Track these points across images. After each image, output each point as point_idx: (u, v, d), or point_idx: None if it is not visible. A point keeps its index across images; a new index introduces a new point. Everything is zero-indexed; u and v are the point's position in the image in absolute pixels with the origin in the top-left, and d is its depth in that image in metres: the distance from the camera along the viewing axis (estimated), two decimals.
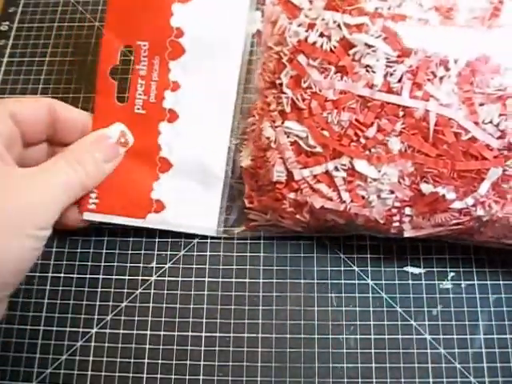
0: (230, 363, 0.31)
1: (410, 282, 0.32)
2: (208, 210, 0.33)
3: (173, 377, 0.31)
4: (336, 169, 0.29)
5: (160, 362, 0.31)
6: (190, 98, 0.32)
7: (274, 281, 0.33)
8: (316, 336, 0.31)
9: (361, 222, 0.30)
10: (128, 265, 0.33)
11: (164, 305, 0.32)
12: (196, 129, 0.32)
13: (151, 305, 0.32)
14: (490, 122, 0.27)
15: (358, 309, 0.32)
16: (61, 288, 0.33)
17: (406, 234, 0.30)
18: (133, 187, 0.32)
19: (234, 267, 0.33)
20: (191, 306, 0.32)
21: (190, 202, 0.33)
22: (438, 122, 0.27)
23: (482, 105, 0.27)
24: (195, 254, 0.33)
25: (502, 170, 0.27)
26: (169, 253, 0.33)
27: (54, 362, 0.31)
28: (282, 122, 0.29)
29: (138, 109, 0.32)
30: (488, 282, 0.32)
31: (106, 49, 0.31)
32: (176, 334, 0.32)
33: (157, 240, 0.34)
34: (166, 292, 0.33)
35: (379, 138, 0.28)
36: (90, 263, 0.33)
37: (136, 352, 0.31)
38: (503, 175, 0.27)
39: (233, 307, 0.32)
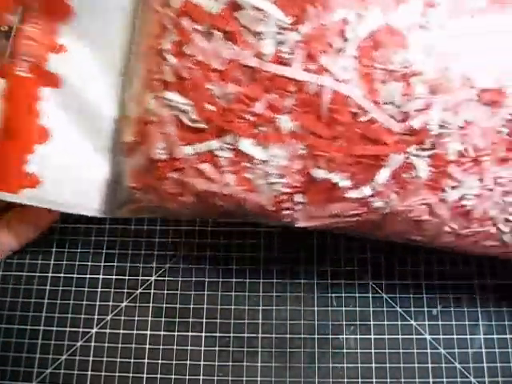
0: (230, 363, 0.31)
1: (410, 281, 0.32)
2: (91, 188, 0.29)
3: (173, 377, 0.31)
4: (221, 148, 0.25)
5: (160, 362, 0.31)
6: (75, 62, 0.29)
7: (274, 281, 0.33)
8: (316, 336, 0.31)
9: (250, 209, 0.27)
10: (128, 265, 0.33)
11: (164, 305, 0.32)
12: (80, 96, 0.29)
13: (151, 305, 0.32)
14: (392, 102, 0.24)
15: (358, 309, 0.32)
16: (61, 288, 0.33)
17: (298, 224, 0.27)
18: (4, 157, 0.28)
19: (234, 267, 0.33)
20: (191, 306, 0.32)
21: (70, 178, 0.29)
22: (334, 100, 0.24)
23: (383, 82, 0.24)
24: (195, 254, 0.33)
25: (404, 158, 0.24)
26: (169, 253, 0.33)
27: (53, 362, 0.31)
28: (165, 91, 0.26)
29: (20, 70, 0.29)
30: (488, 282, 0.32)
31: None
32: (176, 334, 0.32)
33: (157, 240, 0.34)
34: (165, 292, 0.33)
35: (268, 115, 0.25)
36: (90, 263, 0.33)
37: (136, 352, 0.31)
38: (404, 163, 0.24)
39: (233, 307, 0.32)
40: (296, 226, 0.27)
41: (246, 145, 0.25)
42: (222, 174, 0.26)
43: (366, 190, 0.25)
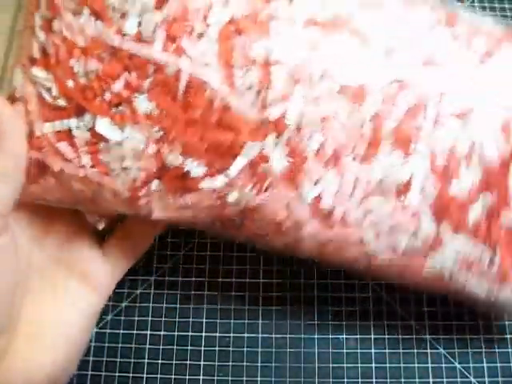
0: (230, 363, 0.31)
1: None
2: None
3: (173, 377, 0.31)
4: (78, 127, 0.25)
5: (160, 362, 0.31)
6: None
7: (274, 281, 0.33)
8: (316, 336, 0.31)
9: (108, 196, 0.26)
10: None
11: (164, 305, 0.32)
12: None
13: (151, 305, 0.32)
14: (250, 89, 0.23)
15: (358, 309, 0.32)
16: None
17: (156, 215, 0.26)
18: None
19: (234, 267, 0.33)
20: (191, 306, 0.32)
21: None
22: (190, 83, 0.24)
23: (242, 69, 0.23)
24: (195, 254, 0.33)
25: (260, 148, 0.24)
26: (169, 253, 0.33)
27: None
28: (30, 69, 0.25)
29: None
30: None
31: None
32: (176, 334, 0.32)
33: (157, 240, 0.34)
34: (165, 292, 0.33)
35: (125, 94, 0.24)
36: None
37: (136, 352, 0.31)
38: (261, 154, 0.24)
39: (233, 307, 0.32)
40: (152, 218, 0.26)
41: (103, 125, 0.24)
42: (78, 155, 0.25)
43: (220, 180, 0.24)
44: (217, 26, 0.24)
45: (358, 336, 0.31)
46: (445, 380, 0.30)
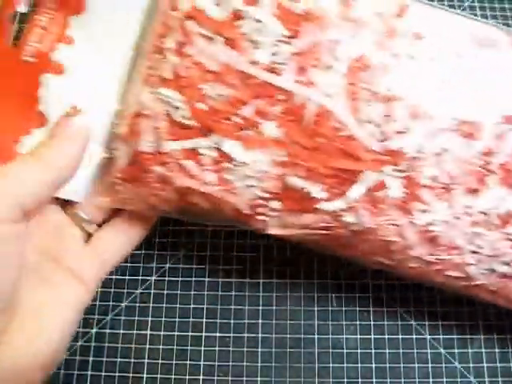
0: (230, 363, 0.31)
1: (410, 281, 0.32)
2: (80, 174, 0.29)
3: (173, 377, 0.31)
4: (206, 146, 0.26)
5: (160, 362, 0.31)
6: (82, 55, 0.30)
7: (274, 281, 0.33)
8: (316, 336, 0.31)
9: (226, 210, 0.28)
10: (128, 265, 0.33)
11: (164, 305, 0.32)
12: (82, 88, 0.30)
13: (151, 305, 0.32)
14: (373, 122, 0.25)
15: (357, 309, 0.32)
16: None
17: (271, 231, 0.28)
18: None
19: (234, 267, 0.33)
20: (191, 306, 0.32)
21: None
22: (318, 113, 0.25)
23: (367, 101, 0.25)
24: (195, 254, 0.33)
25: (378, 176, 0.25)
26: (169, 253, 0.33)
27: None
28: (161, 89, 0.27)
29: (26, 56, 0.30)
30: None
31: None
32: (176, 334, 0.32)
33: (157, 240, 0.34)
34: (165, 292, 0.33)
35: (254, 119, 0.26)
36: None
37: (136, 352, 0.31)
38: (378, 182, 0.25)
39: (233, 307, 0.32)
40: (268, 232, 0.28)
41: (230, 146, 0.26)
42: (203, 172, 0.27)
43: (339, 204, 0.26)
44: (345, 60, 0.25)
45: (358, 336, 0.31)
46: (445, 380, 0.30)
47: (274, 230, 0.28)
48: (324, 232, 0.27)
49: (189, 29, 0.27)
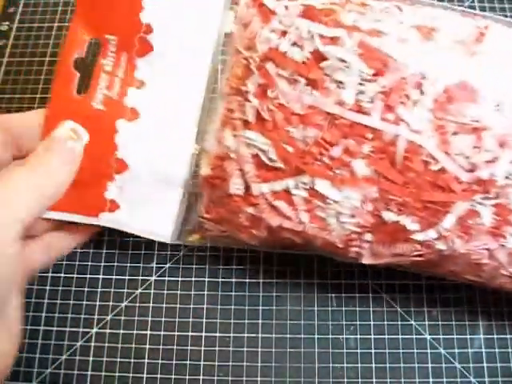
0: (230, 363, 0.31)
1: (410, 281, 0.32)
2: (164, 216, 0.31)
3: (173, 377, 0.31)
4: (296, 187, 0.27)
5: (160, 362, 0.31)
6: (154, 97, 0.30)
7: (275, 281, 0.33)
8: (316, 336, 0.31)
9: (318, 244, 0.29)
10: (128, 265, 0.33)
11: (164, 305, 0.32)
12: (158, 131, 0.30)
13: (151, 305, 0.32)
14: (462, 153, 0.25)
15: (358, 309, 0.32)
16: (61, 288, 0.33)
17: (364, 261, 0.28)
18: (86, 186, 0.30)
19: (234, 267, 0.33)
20: (191, 306, 0.32)
21: (145, 205, 0.31)
22: (408, 149, 0.25)
23: (455, 134, 0.25)
24: (195, 254, 0.33)
25: (469, 205, 0.26)
26: (169, 253, 0.33)
27: (53, 362, 0.31)
28: (245, 131, 0.27)
29: (97, 104, 0.30)
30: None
31: (71, 37, 0.30)
32: (176, 334, 0.32)
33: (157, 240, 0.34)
34: (165, 292, 0.33)
35: (344, 159, 0.26)
36: (89, 263, 0.33)
37: (136, 352, 0.31)
38: (469, 210, 0.26)
39: (233, 307, 0.32)
40: (361, 262, 0.28)
41: (322, 186, 0.26)
42: (296, 212, 0.27)
43: (432, 234, 0.26)
44: (431, 94, 0.25)
45: (357, 336, 0.31)
46: (445, 380, 0.30)
47: (366, 260, 0.28)
48: (415, 258, 0.28)
49: (269, 71, 0.27)
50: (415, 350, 0.31)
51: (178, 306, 0.32)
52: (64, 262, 0.33)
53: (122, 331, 0.32)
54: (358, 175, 0.26)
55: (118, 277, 0.33)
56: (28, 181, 0.26)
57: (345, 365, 0.31)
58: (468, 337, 0.31)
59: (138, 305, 0.32)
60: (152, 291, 0.33)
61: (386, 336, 0.31)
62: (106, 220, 0.30)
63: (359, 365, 0.31)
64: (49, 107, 0.30)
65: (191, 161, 0.31)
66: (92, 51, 0.31)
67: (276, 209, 0.27)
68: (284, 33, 0.27)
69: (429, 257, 0.27)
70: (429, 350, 0.31)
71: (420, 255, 0.27)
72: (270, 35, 0.27)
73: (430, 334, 0.31)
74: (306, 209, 0.27)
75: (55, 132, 0.29)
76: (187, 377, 0.31)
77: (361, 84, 0.26)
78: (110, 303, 0.32)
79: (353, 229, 0.27)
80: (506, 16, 0.40)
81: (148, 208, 0.31)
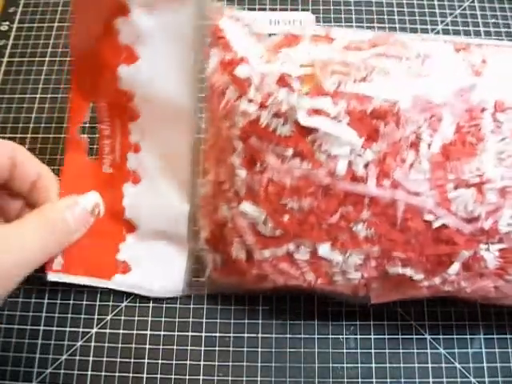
0: (230, 363, 0.31)
1: None
2: (174, 275, 0.32)
3: (173, 377, 0.31)
4: (298, 251, 0.27)
5: (160, 362, 0.31)
6: (149, 160, 0.31)
7: None
8: (316, 336, 0.31)
9: (328, 293, 0.29)
10: None
11: (164, 305, 0.32)
12: (157, 193, 0.31)
13: (151, 305, 0.32)
14: (464, 208, 0.25)
15: (357, 309, 0.32)
16: (61, 288, 0.33)
17: (373, 302, 0.29)
18: (99, 248, 0.31)
19: None
20: (191, 306, 0.32)
21: (155, 265, 0.32)
22: (407, 210, 0.25)
23: (455, 191, 0.25)
24: (195, 254, 0.33)
25: (473, 252, 0.25)
26: None
27: (53, 362, 0.31)
28: (238, 203, 0.27)
29: (106, 168, 0.31)
30: None
31: (73, 107, 0.31)
32: (176, 334, 0.32)
33: None
34: None
35: (343, 225, 0.25)
36: None
37: (136, 352, 0.31)
38: (474, 256, 0.25)
39: (233, 307, 0.32)
40: (369, 302, 0.29)
41: (324, 250, 0.26)
42: (301, 272, 0.27)
43: (438, 280, 0.26)
44: (427, 154, 0.24)
45: (358, 336, 0.31)
46: (445, 380, 0.30)
47: (374, 301, 0.29)
48: (423, 297, 0.29)
49: (253, 145, 0.26)
50: (415, 350, 0.31)
51: (177, 306, 0.32)
52: None
53: (121, 331, 0.32)
54: (359, 238, 0.26)
55: None
56: (39, 239, 0.27)
57: (345, 365, 0.31)
58: (468, 337, 0.31)
59: (138, 305, 0.32)
60: None
61: (386, 336, 0.31)
62: (118, 283, 0.32)
63: (359, 365, 0.31)
64: (62, 175, 0.31)
65: (188, 222, 0.31)
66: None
67: (281, 270, 0.27)
68: (263, 104, 0.25)
69: (438, 294, 0.28)
70: (429, 350, 0.31)
71: (428, 294, 0.28)
72: (248, 107, 0.25)
73: (429, 334, 0.31)
74: (310, 268, 0.27)
75: (82, 198, 0.29)
76: (187, 377, 0.31)
77: (353, 153, 0.25)
78: (110, 303, 0.32)
79: (360, 282, 0.27)
80: (506, 16, 0.40)
81: (157, 268, 0.32)
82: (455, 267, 0.26)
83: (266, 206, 0.26)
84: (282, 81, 0.25)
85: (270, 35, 0.28)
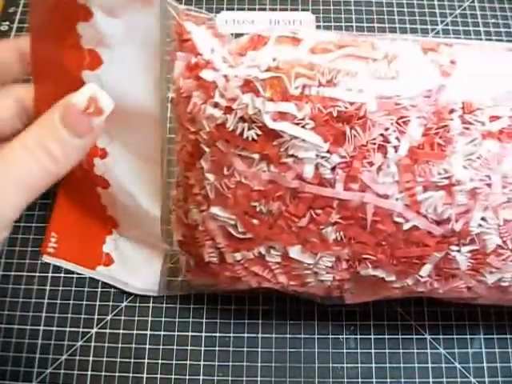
0: (230, 363, 0.31)
1: None
2: (150, 274, 0.32)
3: (173, 377, 0.31)
4: (269, 253, 0.27)
5: (160, 362, 0.31)
6: (117, 166, 0.30)
7: None
8: (316, 336, 0.31)
9: (302, 294, 0.30)
10: None
11: (164, 305, 0.32)
12: (128, 197, 0.31)
13: (151, 305, 0.32)
14: (434, 210, 0.25)
15: (357, 309, 0.32)
16: (61, 288, 0.33)
17: (347, 302, 0.29)
18: (89, 237, 0.32)
19: None
20: (191, 306, 0.32)
21: (134, 262, 0.33)
22: (377, 213, 0.25)
23: (425, 193, 0.25)
24: None
25: (445, 254, 0.25)
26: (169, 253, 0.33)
27: (53, 362, 0.31)
28: (208, 207, 0.27)
29: (78, 174, 0.31)
30: None
31: (38, 114, 0.29)
32: (176, 334, 0.32)
33: None
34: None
35: (313, 228, 0.25)
36: None
37: (136, 352, 0.31)
38: (445, 258, 0.25)
39: (233, 307, 0.32)
40: (344, 302, 0.30)
41: (294, 252, 0.26)
42: (273, 274, 0.27)
43: (410, 281, 0.27)
44: (395, 157, 0.24)
45: (358, 336, 0.31)
46: (445, 380, 0.30)
47: (349, 301, 0.30)
48: (397, 297, 0.29)
49: (221, 149, 0.25)
50: (415, 350, 0.31)
51: (177, 306, 0.32)
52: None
53: (121, 331, 0.32)
54: (329, 241, 0.26)
55: None
56: (24, 169, 0.23)
57: (345, 365, 0.31)
58: (468, 337, 0.31)
59: (138, 305, 0.32)
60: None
61: (386, 336, 0.31)
62: (101, 274, 0.33)
63: (359, 365, 0.31)
64: None
65: (161, 223, 0.31)
66: None
67: (253, 272, 0.28)
68: (228, 108, 0.25)
69: (409, 296, 0.28)
70: (429, 350, 0.31)
71: (401, 295, 0.28)
72: (214, 111, 0.25)
73: (429, 334, 0.31)
74: (282, 271, 0.27)
75: (71, 96, 0.24)
76: (187, 377, 0.31)
77: (319, 157, 0.24)
78: (110, 303, 0.32)
79: (332, 283, 0.27)
80: (506, 16, 0.40)
81: (136, 264, 0.33)
82: (427, 269, 0.26)
83: (236, 210, 0.26)
84: (247, 85, 0.25)
85: (235, 36, 0.28)
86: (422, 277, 0.26)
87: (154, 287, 0.32)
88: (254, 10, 0.41)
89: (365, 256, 0.26)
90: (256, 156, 0.25)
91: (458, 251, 0.25)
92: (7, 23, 0.41)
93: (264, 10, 0.41)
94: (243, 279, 0.28)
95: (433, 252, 0.25)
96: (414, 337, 0.31)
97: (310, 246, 0.26)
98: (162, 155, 0.29)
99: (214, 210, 0.26)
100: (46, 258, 0.33)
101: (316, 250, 0.26)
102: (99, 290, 0.33)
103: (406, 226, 0.25)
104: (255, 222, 0.26)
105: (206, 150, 0.26)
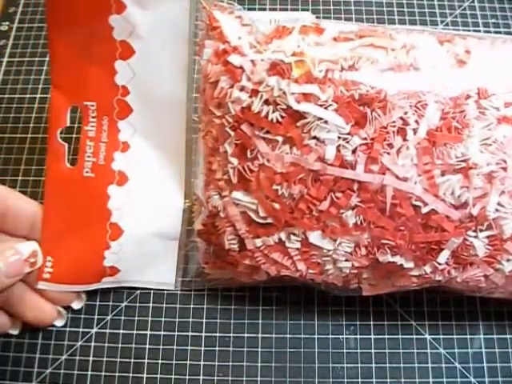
0: (230, 363, 0.31)
1: None
2: (164, 271, 0.32)
3: (173, 377, 0.31)
4: (289, 239, 0.27)
5: (160, 361, 0.31)
6: (140, 158, 0.30)
7: None
8: (316, 336, 0.31)
9: (320, 284, 0.30)
10: None
11: (164, 305, 0.32)
12: (147, 191, 0.31)
13: (151, 305, 0.32)
14: (451, 193, 0.25)
15: (357, 309, 0.32)
16: None
17: (365, 293, 0.29)
18: (85, 257, 0.30)
19: None
20: (191, 306, 0.32)
21: (145, 264, 0.32)
22: (396, 196, 0.25)
23: (442, 176, 0.25)
24: (195, 253, 0.33)
25: (462, 239, 0.26)
26: None
27: (53, 362, 0.31)
28: (230, 192, 0.27)
29: (87, 172, 0.30)
30: None
31: (53, 110, 0.30)
32: (176, 334, 0.32)
33: None
34: (165, 292, 0.33)
35: (333, 211, 0.26)
36: None
37: (136, 352, 0.31)
38: (463, 244, 0.26)
39: (233, 307, 0.32)
40: (361, 294, 0.29)
41: (315, 237, 0.27)
42: (293, 262, 0.28)
43: (428, 269, 0.27)
44: (414, 139, 0.25)
45: (358, 336, 0.31)
46: (445, 380, 0.30)
47: (366, 293, 0.29)
48: (414, 287, 0.29)
49: (245, 132, 0.26)
50: (415, 350, 0.31)
51: (177, 306, 0.32)
52: None
53: (121, 331, 0.32)
54: (349, 225, 0.26)
55: None
56: None
57: (345, 365, 0.31)
58: (468, 337, 0.31)
59: (137, 305, 0.32)
60: (152, 291, 0.33)
61: (386, 336, 0.31)
62: (108, 283, 0.32)
63: (359, 365, 0.31)
64: (46, 185, 0.30)
65: (183, 215, 0.31)
66: (79, 117, 0.31)
67: (273, 260, 0.28)
68: (254, 91, 0.26)
69: (426, 285, 0.28)
70: (429, 350, 0.31)
71: (418, 285, 0.28)
72: (240, 94, 0.26)
73: (429, 334, 0.31)
74: (301, 258, 0.27)
75: (19, 245, 0.29)
76: (187, 377, 0.31)
77: (341, 138, 0.25)
78: (110, 303, 0.32)
79: (350, 271, 0.27)
80: (506, 16, 0.40)
81: (148, 266, 0.32)
82: (445, 255, 0.26)
83: (258, 194, 0.27)
84: (273, 68, 0.26)
85: (260, 27, 0.29)
86: (439, 264, 0.26)
87: (171, 280, 0.32)
88: (254, 9, 0.41)
89: (384, 241, 0.26)
90: (279, 138, 0.26)
91: (476, 237, 0.26)
92: (7, 23, 0.41)
93: (264, 9, 0.41)
94: (262, 267, 0.28)
95: (451, 237, 0.26)
96: (414, 337, 0.31)
97: (329, 231, 0.26)
98: (188, 143, 0.30)
99: (236, 194, 0.27)
100: (42, 285, 0.30)
101: (336, 234, 0.26)
102: (99, 290, 0.32)
103: (424, 210, 0.25)
104: (276, 206, 0.26)
105: (231, 133, 0.27)
